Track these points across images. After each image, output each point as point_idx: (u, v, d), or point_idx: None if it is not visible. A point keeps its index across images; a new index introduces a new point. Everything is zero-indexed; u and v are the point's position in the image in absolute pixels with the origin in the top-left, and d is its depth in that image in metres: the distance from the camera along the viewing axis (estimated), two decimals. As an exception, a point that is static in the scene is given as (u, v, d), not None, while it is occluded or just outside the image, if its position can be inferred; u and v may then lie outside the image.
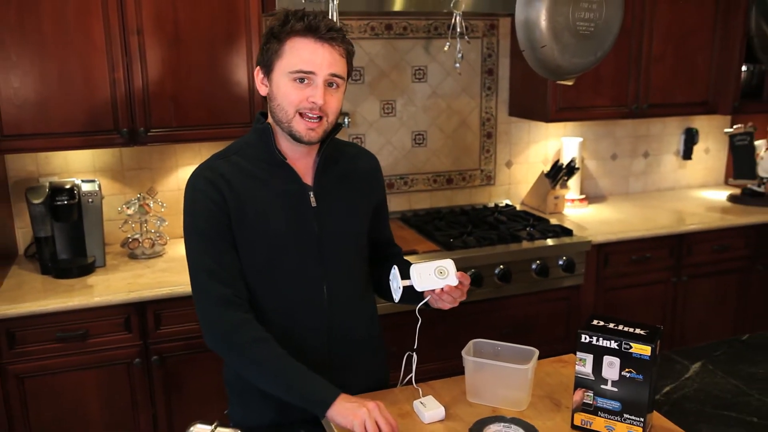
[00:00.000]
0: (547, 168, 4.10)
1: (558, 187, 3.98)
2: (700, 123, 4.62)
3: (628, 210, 4.13)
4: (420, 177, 3.98)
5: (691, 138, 4.57)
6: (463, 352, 1.87)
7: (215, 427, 1.40)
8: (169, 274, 2.98)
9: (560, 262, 3.42)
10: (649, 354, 1.60)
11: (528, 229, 3.55)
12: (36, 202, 2.94)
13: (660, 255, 3.74)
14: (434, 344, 3.19)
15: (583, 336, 1.68)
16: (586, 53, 2.96)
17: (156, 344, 2.86)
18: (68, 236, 3.06)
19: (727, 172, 4.79)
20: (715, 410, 1.87)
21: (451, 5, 3.13)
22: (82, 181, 3.09)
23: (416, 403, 1.83)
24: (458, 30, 3.18)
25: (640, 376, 1.62)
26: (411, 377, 1.92)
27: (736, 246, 3.91)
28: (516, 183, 4.23)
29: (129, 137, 2.96)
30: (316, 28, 1.76)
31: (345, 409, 1.67)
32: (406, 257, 2.15)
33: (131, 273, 3.02)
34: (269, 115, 1.89)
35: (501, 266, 3.29)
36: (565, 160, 4.06)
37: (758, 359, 2.18)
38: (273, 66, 1.80)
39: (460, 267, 1.83)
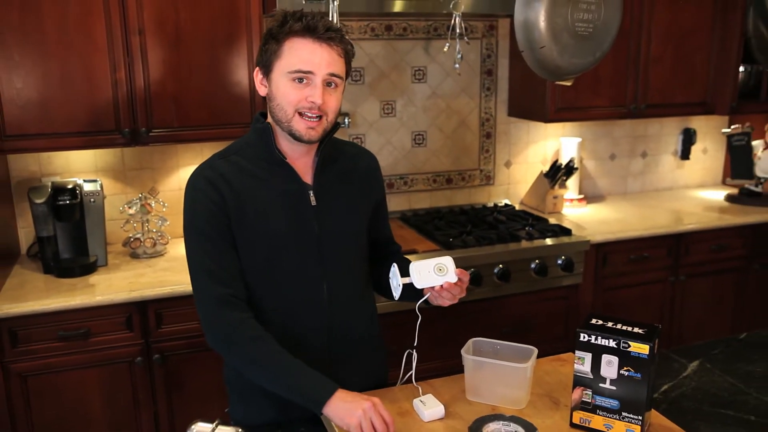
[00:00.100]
0: (546, 168, 4.10)
1: (557, 187, 3.98)
2: (698, 123, 4.63)
3: (627, 210, 4.13)
4: (420, 177, 3.99)
5: (689, 138, 4.58)
6: (462, 351, 1.87)
7: (216, 426, 1.40)
8: (170, 273, 2.99)
9: (559, 262, 3.43)
10: (647, 353, 1.60)
11: (527, 228, 3.56)
12: (38, 201, 2.95)
13: (658, 254, 3.75)
14: (434, 343, 3.20)
15: (581, 335, 1.68)
16: (585, 54, 2.97)
17: (157, 343, 2.87)
18: (70, 236, 3.06)
19: (725, 172, 4.80)
20: (713, 408, 1.87)
21: (451, 6, 3.13)
22: (84, 180, 3.09)
23: (416, 401, 1.83)
24: (458, 31, 3.18)
25: (639, 375, 1.62)
26: (411, 375, 1.92)
27: (733, 245, 3.92)
28: (515, 183, 4.24)
29: (131, 137, 2.97)
30: (314, 28, 1.76)
31: (341, 410, 1.68)
32: (406, 256, 2.16)
33: (133, 272, 3.03)
34: (269, 115, 1.90)
35: (500, 265, 3.30)
36: (563, 160, 4.07)
37: (755, 358, 2.18)
38: (272, 66, 1.81)
39: (460, 266, 1.83)
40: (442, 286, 1.80)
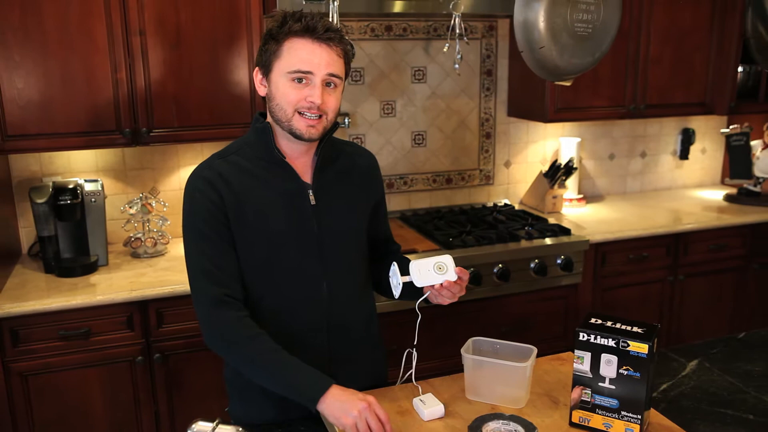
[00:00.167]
0: (546, 168, 4.11)
1: (556, 186, 3.99)
2: (697, 123, 4.64)
3: (626, 209, 4.14)
4: (419, 177, 4.00)
5: (687, 138, 4.59)
6: (462, 350, 1.88)
7: (217, 425, 1.40)
8: (171, 272, 3.00)
9: (558, 261, 3.44)
10: (646, 352, 1.60)
11: (526, 228, 3.56)
12: (39, 201, 2.95)
13: (657, 254, 3.76)
14: (434, 342, 3.21)
15: (581, 334, 1.68)
16: (584, 54, 2.97)
17: (158, 342, 2.88)
18: (71, 235, 3.07)
19: (724, 172, 4.81)
20: (712, 408, 1.87)
21: (451, 7, 3.14)
22: (85, 180, 3.10)
23: (416, 400, 1.84)
24: (457, 31, 3.19)
25: (638, 374, 1.62)
26: (410, 374, 1.93)
27: (732, 245, 3.93)
28: (515, 183, 4.25)
29: (131, 137, 2.98)
30: (314, 28, 1.77)
31: (336, 408, 1.68)
32: (405, 256, 2.17)
33: (134, 272, 3.03)
34: (268, 114, 1.90)
35: (500, 265, 3.30)
36: (563, 160, 4.07)
37: (754, 357, 2.18)
38: (271, 66, 1.81)
39: (460, 266, 1.84)
40: (441, 284, 1.80)
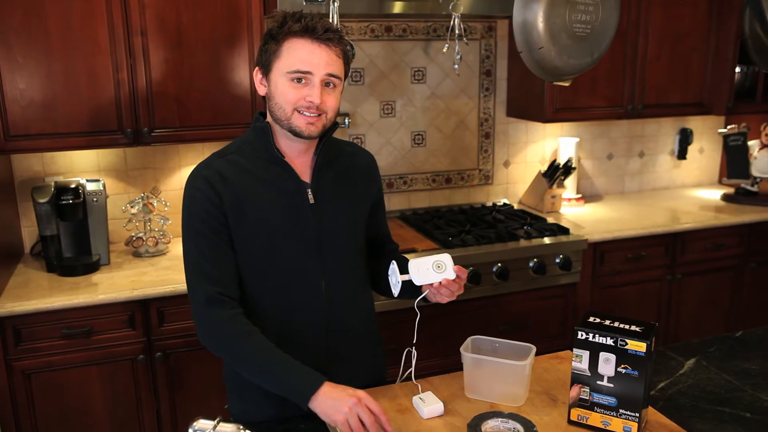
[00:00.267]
0: (544, 168, 4.12)
1: (555, 186, 4.00)
2: (695, 123, 4.65)
3: (624, 209, 4.15)
4: (419, 176, 4.00)
5: (685, 138, 4.60)
6: (461, 349, 1.88)
7: (218, 423, 1.40)
8: (172, 272, 3.01)
9: (557, 260, 3.44)
10: (644, 350, 1.61)
11: (525, 227, 3.58)
12: (42, 201, 2.96)
13: (655, 253, 3.77)
14: (433, 341, 3.22)
15: (579, 333, 1.68)
16: (583, 54, 2.98)
17: (159, 341, 2.89)
18: (73, 235, 3.08)
19: (721, 172, 4.82)
20: (709, 405, 1.88)
21: (450, 7, 3.15)
22: (87, 180, 3.11)
23: (415, 398, 1.84)
24: (457, 32, 3.20)
25: (636, 372, 1.63)
26: (410, 372, 1.93)
27: (729, 244, 3.94)
28: (514, 182, 4.26)
29: (133, 137, 2.98)
30: (313, 29, 1.77)
31: (327, 406, 1.68)
32: (405, 255, 2.16)
33: (135, 271, 3.04)
34: (268, 114, 1.91)
35: (499, 264, 3.31)
36: (561, 160, 4.08)
37: (751, 355, 2.18)
38: (271, 66, 1.82)
39: (459, 265, 1.85)
40: (440, 283, 1.81)
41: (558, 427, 1.74)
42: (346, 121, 3.70)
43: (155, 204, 3.30)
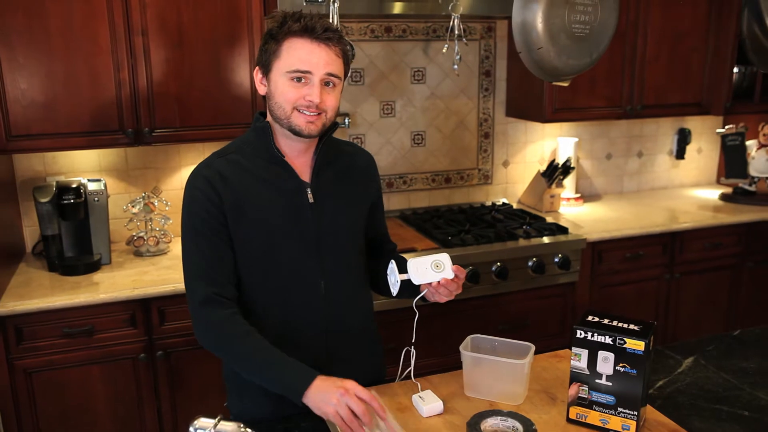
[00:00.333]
0: (543, 167, 4.12)
1: (554, 186, 4.01)
2: (693, 123, 4.66)
3: (623, 208, 4.16)
4: (419, 176, 4.01)
5: (684, 138, 4.61)
6: (461, 348, 1.89)
7: (218, 421, 1.39)
8: (173, 271, 3.01)
9: (556, 260, 3.45)
10: (642, 349, 1.61)
11: (524, 227, 3.59)
12: (43, 200, 2.97)
13: (653, 252, 3.78)
14: (432, 340, 3.22)
15: (578, 331, 1.69)
16: (582, 55, 2.98)
17: (160, 340, 2.90)
18: (75, 234, 3.09)
19: (719, 172, 4.83)
20: (707, 404, 1.88)
21: (450, 8, 3.16)
22: (89, 180, 3.12)
23: (415, 397, 1.85)
24: (456, 32, 3.20)
25: (634, 371, 1.63)
26: (409, 372, 1.94)
27: (727, 243, 3.95)
28: (513, 182, 4.27)
29: (134, 137, 2.99)
30: (313, 28, 1.78)
31: (317, 400, 1.68)
32: (405, 255, 2.16)
33: (136, 270, 3.05)
34: (268, 113, 1.92)
35: (498, 263, 3.32)
36: (560, 160, 4.09)
37: (749, 354, 2.18)
38: (271, 66, 1.82)
39: (458, 264, 1.85)
40: (439, 282, 1.81)
41: (557, 425, 1.75)
42: (346, 121, 3.71)
43: (156, 203, 3.31)
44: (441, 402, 1.83)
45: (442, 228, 3.57)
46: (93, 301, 2.76)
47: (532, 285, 3.45)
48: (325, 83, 1.82)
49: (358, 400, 1.64)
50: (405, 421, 1.77)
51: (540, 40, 2.86)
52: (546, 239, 3.46)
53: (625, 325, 1.68)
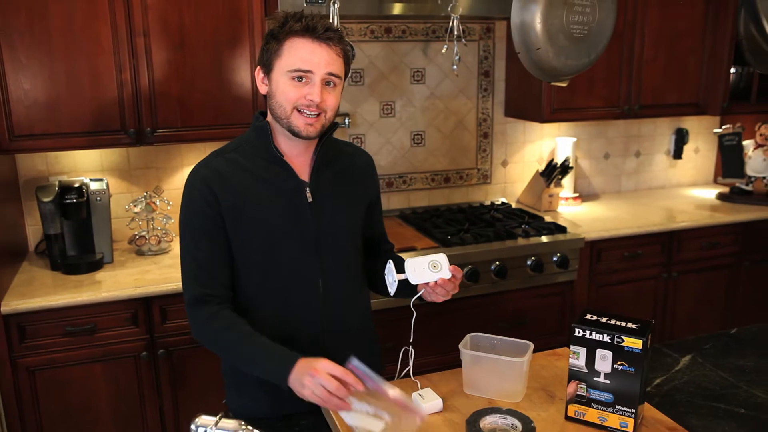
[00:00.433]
0: (542, 167, 4.13)
1: (552, 185, 4.01)
2: (690, 123, 4.67)
3: (621, 208, 4.17)
4: (418, 176, 4.02)
5: (681, 138, 4.62)
6: (460, 346, 1.90)
7: (219, 419, 1.38)
8: (174, 270, 3.02)
9: (554, 259, 3.46)
10: (640, 347, 1.62)
11: (523, 226, 3.59)
12: (46, 200, 2.98)
13: (651, 251, 3.79)
14: (432, 338, 3.23)
15: (576, 330, 1.70)
16: (580, 55, 3.00)
17: (162, 338, 2.91)
18: (77, 233, 3.10)
19: (717, 171, 4.84)
20: (705, 402, 1.89)
21: (449, 9, 3.17)
22: (91, 179, 3.13)
23: (415, 395, 1.86)
24: (455, 33, 3.21)
25: (632, 369, 1.64)
26: (408, 370, 1.94)
27: (724, 243, 3.97)
28: (512, 182, 4.28)
29: (136, 137, 2.99)
30: (314, 28, 1.78)
31: (296, 385, 1.68)
32: (405, 254, 2.16)
33: (138, 269, 3.06)
34: (268, 113, 1.92)
35: (497, 262, 3.33)
36: (559, 160, 4.09)
37: (746, 352, 2.20)
38: (272, 65, 1.82)
39: (458, 263, 1.85)
40: (436, 282, 1.82)
41: (555, 423, 1.76)
42: (347, 121, 3.72)
43: (158, 203, 3.32)
44: (440, 400, 1.83)
45: (441, 227, 3.57)
46: (95, 299, 2.77)
47: (531, 284, 3.46)
48: (326, 83, 1.82)
49: (330, 377, 1.63)
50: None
51: (538, 41, 2.87)
52: (545, 238, 3.47)
53: (623, 324, 1.69)
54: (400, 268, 1.84)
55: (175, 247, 3.33)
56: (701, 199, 4.42)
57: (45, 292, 2.79)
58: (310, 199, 1.92)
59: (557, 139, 4.23)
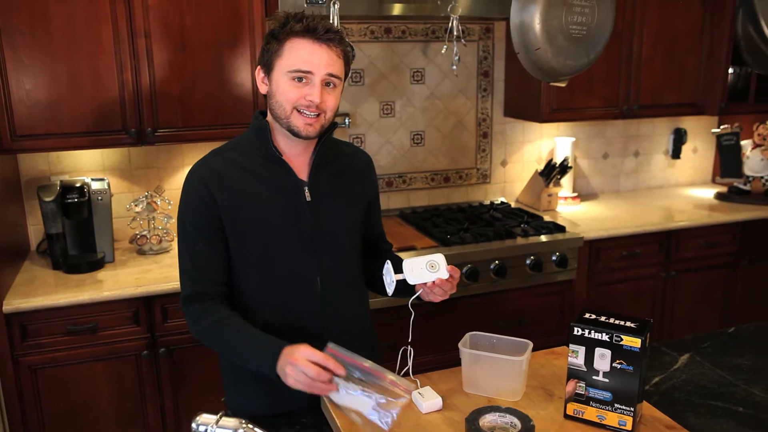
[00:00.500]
0: (541, 167, 4.14)
1: (551, 185, 4.02)
2: (689, 123, 4.68)
3: (619, 207, 4.18)
4: (418, 175, 4.03)
5: (679, 138, 4.63)
6: (460, 345, 1.89)
7: (220, 417, 1.39)
8: (175, 269, 2.94)
9: (553, 258, 3.47)
10: (639, 346, 1.62)
11: (522, 225, 3.60)
12: (47, 200, 2.99)
13: (649, 251, 3.80)
14: (432, 337, 3.24)
15: (575, 329, 1.70)
16: (579, 55, 3.01)
17: (163, 337, 2.92)
18: (78, 233, 3.11)
19: (715, 171, 4.85)
20: (703, 400, 1.89)
21: (448, 9, 3.18)
22: (92, 179, 3.14)
23: (415, 393, 1.85)
24: (455, 33, 3.23)
25: (631, 368, 1.64)
26: (407, 370, 1.93)
27: (722, 242, 3.97)
28: (511, 181, 4.29)
29: (137, 137, 3.00)
30: (314, 29, 1.78)
31: (282, 375, 1.68)
32: (404, 253, 2.16)
33: (139, 268, 3.07)
34: (268, 112, 1.92)
35: (496, 261, 3.34)
36: (558, 159, 4.11)
37: (744, 351, 2.20)
38: (273, 65, 1.83)
39: (457, 262, 1.86)
40: (434, 282, 1.82)
41: (554, 421, 1.76)
42: (347, 121, 3.73)
43: (159, 202, 3.33)
44: (440, 398, 1.83)
45: (441, 227, 3.58)
46: (97, 298, 2.78)
47: (530, 283, 3.47)
48: (326, 83, 1.83)
49: (309, 364, 1.62)
50: (405, 417, 1.77)
51: (538, 41, 2.89)
52: (544, 238, 3.48)
53: (622, 323, 1.68)
54: (398, 268, 1.84)
55: (176, 246, 3.32)
56: (699, 198, 4.43)
57: (47, 291, 2.80)
58: (308, 199, 1.92)
59: (556, 138, 4.24)
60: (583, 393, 1.73)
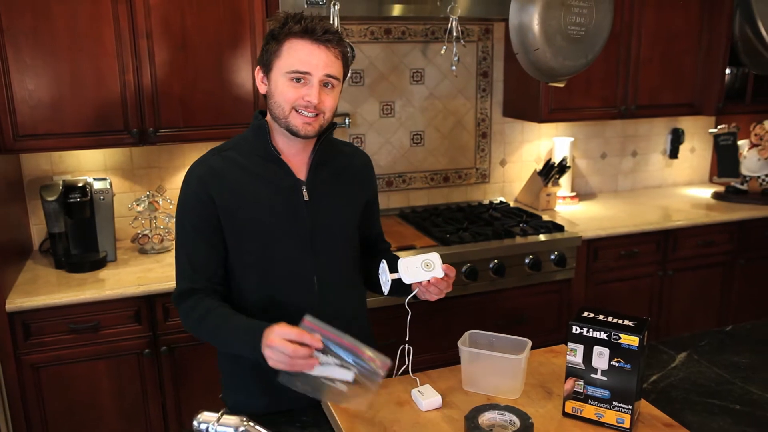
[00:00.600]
0: (540, 167, 4.15)
1: (550, 184, 4.04)
2: (686, 123, 4.69)
3: (617, 207, 4.19)
4: (418, 175, 4.04)
5: (677, 138, 4.64)
6: (459, 343, 1.89)
7: (221, 415, 1.39)
8: (177, 268, 3.04)
9: (552, 257, 3.48)
10: (637, 344, 1.62)
11: (521, 225, 3.61)
12: (50, 199, 2.99)
13: (647, 250, 3.81)
14: (431, 335, 3.22)
15: (574, 327, 1.70)
16: (577, 56, 3.02)
17: (165, 335, 2.93)
18: (81, 232, 3.12)
19: (712, 171, 4.86)
20: (700, 398, 1.90)
21: (448, 10, 3.18)
22: (94, 179, 3.14)
23: (414, 391, 1.86)
24: (454, 34, 3.24)
25: (629, 366, 1.64)
26: (405, 368, 1.94)
27: (720, 241, 3.99)
28: (510, 181, 4.30)
29: (139, 137, 3.01)
30: (313, 30, 1.79)
31: (265, 358, 1.66)
32: (404, 252, 2.16)
33: (141, 267, 3.08)
34: (268, 112, 1.93)
35: (495, 261, 3.35)
36: (556, 159, 4.12)
37: (741, 349, 2.20)
38: (272, 65, 1.83)
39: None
40: (429, 281, 1.82)
41: (553, 419, 1.76)
42: (347, 121, 3.73)
43: (160, 202, 3.34)
44: (440, 396, 1.84)
45: (440, 226, 3.59)
46: (99, 297, 2.79)
47: (529, 282, 3.48)
48: (324, 84, 1.83)
49: (285, 342, 1.61)
50: (404, 415, 1.79)
51: (536, 42, 2.90)
52: (542, 237, 3.48)
53: (620, 321, 1.69)
54: (393, 267, 1.85)
55: (177, 245, 3.35)
56: (697, 198, 4.44)
57: (49, 290, 2.81)
58: (306, 198, 1.93)
59: (555, 138, 4.25)
60: (581, 391, 1.73)
